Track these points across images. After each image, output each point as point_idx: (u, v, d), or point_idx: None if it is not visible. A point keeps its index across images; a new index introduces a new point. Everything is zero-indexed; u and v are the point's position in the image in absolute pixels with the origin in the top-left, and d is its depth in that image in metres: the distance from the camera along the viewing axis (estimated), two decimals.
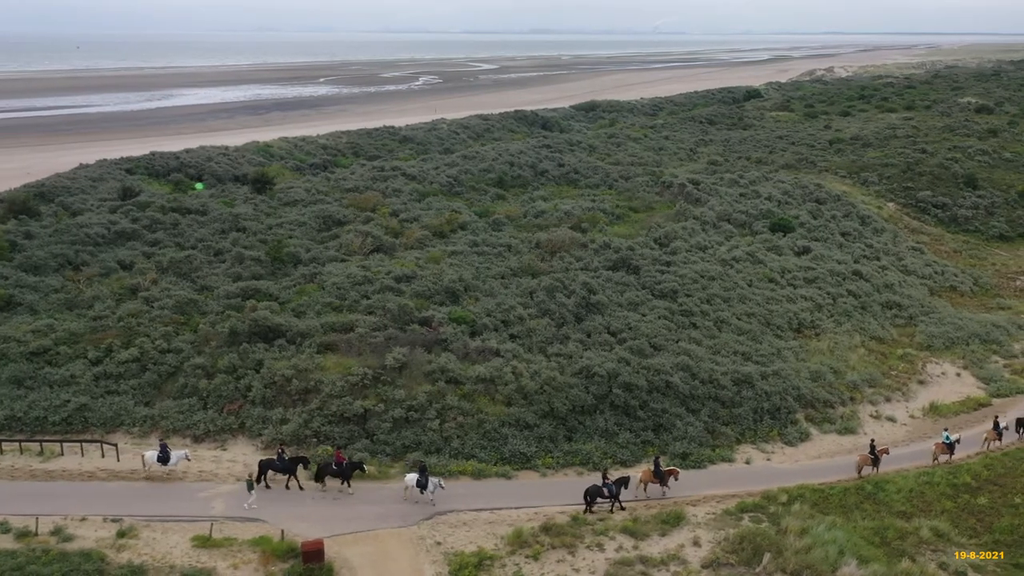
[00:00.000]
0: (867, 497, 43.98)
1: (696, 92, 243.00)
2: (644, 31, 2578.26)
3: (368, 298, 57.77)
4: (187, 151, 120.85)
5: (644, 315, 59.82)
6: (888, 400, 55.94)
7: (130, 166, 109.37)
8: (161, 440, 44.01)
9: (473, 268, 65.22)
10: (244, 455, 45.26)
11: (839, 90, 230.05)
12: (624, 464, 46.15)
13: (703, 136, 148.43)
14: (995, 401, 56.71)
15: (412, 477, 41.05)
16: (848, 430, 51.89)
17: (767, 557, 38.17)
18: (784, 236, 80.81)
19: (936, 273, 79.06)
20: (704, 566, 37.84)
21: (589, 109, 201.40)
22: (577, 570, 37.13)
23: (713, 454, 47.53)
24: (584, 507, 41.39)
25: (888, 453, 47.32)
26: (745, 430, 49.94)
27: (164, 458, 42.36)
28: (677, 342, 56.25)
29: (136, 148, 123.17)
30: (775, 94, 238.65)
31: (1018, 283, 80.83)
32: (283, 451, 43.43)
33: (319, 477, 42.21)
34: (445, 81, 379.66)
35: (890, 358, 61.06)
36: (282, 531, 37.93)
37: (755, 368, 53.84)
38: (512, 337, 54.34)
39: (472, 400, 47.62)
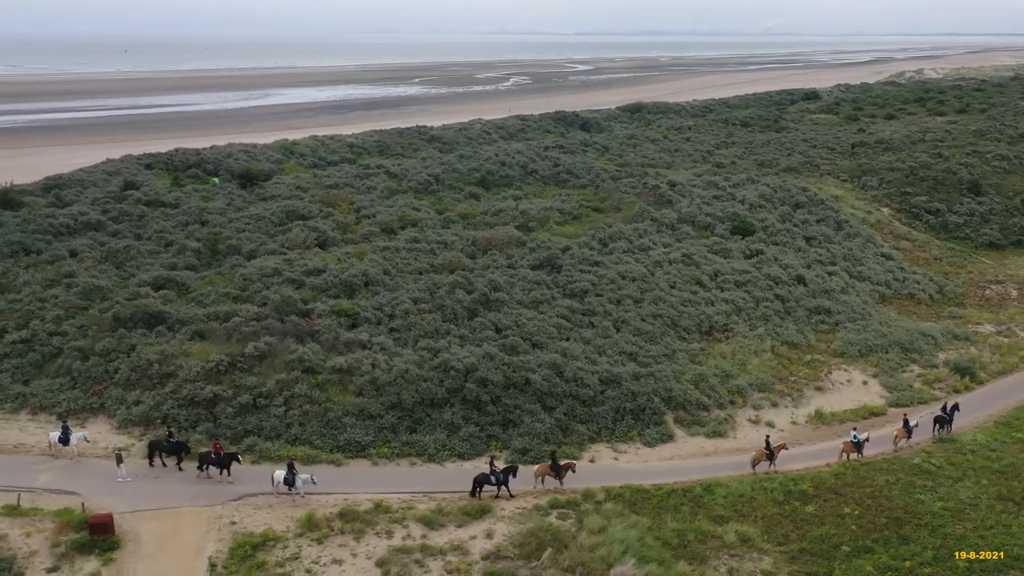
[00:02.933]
0: (692, 500, 43.43)
1: (754, 94, 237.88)
2: (754, 32, 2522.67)
3: (268, 289, 59.64)
4: (212, 147, 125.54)
5: (543, 313, 60.00)
6: (775, 405, 54.80)
7: (150, 161, 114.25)
8: (63, 422, 46.48)
9: (390, 263, 66.37)
10: (99, 433, 47.54)
11: (899, 92, 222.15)
12: (462, 457, 46.74)
13: (727, 138, 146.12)
14: (892, 410, 54.99)
15: (280, 474, 41.90)
16: (718, 433, 51.17)
17: (547, 552, 38.35)
18: (743, 239, 79.46)
19: (895, 280, 76.60)
20: (484, 557, 38.21)
21: (634, 111, 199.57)
22: (355, 555, 37.97)
23: (559, 451, 47.51)
24: (471, 492, 42.56)
25: (787, 449, 47.61)
26: (602, 429, 49.82)
27: (65, 439, 44.85)
28: (563, 340, 56.32)
29: (206, 144, 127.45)
30: (839, 94, 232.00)
31: (987, 292, 77.61)
32: (171, 434, 45.46)
33: (200, 466, 43.90)
34: (535, 82, 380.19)
35: (795, 363, 59.70)
36: (83, 504, 39.92)
37: (629, 368, 53.56)
38: (392, 331, 55.38)
39: (324, 389, 48.89)
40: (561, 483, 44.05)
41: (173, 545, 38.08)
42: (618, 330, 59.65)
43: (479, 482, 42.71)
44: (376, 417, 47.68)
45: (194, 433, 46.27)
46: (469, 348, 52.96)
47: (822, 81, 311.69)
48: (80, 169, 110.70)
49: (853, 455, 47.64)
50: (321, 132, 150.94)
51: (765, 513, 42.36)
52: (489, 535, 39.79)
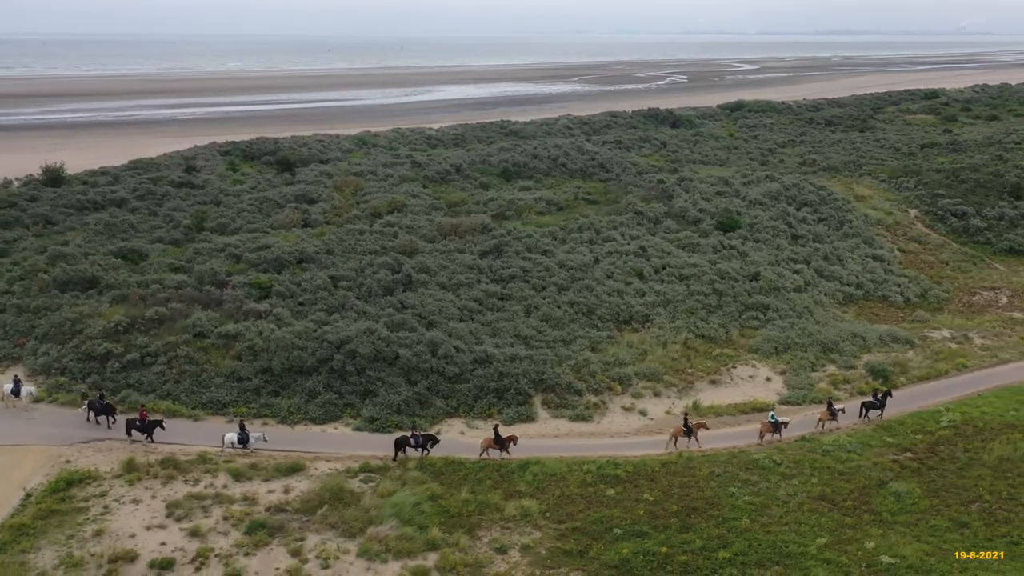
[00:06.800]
0: (502, 475, 44.57)
1: (871, 94, 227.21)
2: (948, 32, 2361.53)
3: (210, 261, 64.43)
4: (292, 137, 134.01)
5: (459, 295, 62.07)
6: (658, 395, 54.77)
7: (229, 148, 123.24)
8: (15, 376, 52.75)
9: (342, 244, 69.91)
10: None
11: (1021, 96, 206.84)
12: (314, 421, 49.73)
13: (797, 137, 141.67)
14: (780, 407, 53.91)
15: (232, 436, 45.83)
16: (582, 417, 51.86)
17: (323, 509, 40.94)
18: (723, 234, 78.57)
19: (872, 282, 73.65)
20: (267, 509, 41.11)
21: (734, 108, 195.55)
22: (155, 497, 41.59)
23: (407, 422, 49.74)
24: (394, 453, 45.56)
25: (707, 428, 49.32)
26: (461, 405, 51.58)
27: (16, 391, 50.94)
28: (460, 321, 58.28)
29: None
30: (971, 94, 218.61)
31: (975, 298, 73.49)
32: (102, 396, 50.48)
33: (128, 431, 47.89)
34: (689, 81, 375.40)
35: (701, 356, 59.23)
36: None
37: (509, 350, 54.93)
38: (300, 304, 58.95)
39: (208, 352, 53.06)
40: (508, 454, 46.18)
41: (7, 476, 42.95)
42: (528, 315, 60.96)
43: (400, 443, 45.50)
44: (245, 380, 51.38)
45: (80, 384, 51.25)
46: (358, 323, 55.79)
47: (987, 81, 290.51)
48: (164, 154, 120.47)
49: (772, 435, 48.63)
50: (453, 124, 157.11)
51: (564, 492, 43.07)
52: (287, 491, 42.57)
